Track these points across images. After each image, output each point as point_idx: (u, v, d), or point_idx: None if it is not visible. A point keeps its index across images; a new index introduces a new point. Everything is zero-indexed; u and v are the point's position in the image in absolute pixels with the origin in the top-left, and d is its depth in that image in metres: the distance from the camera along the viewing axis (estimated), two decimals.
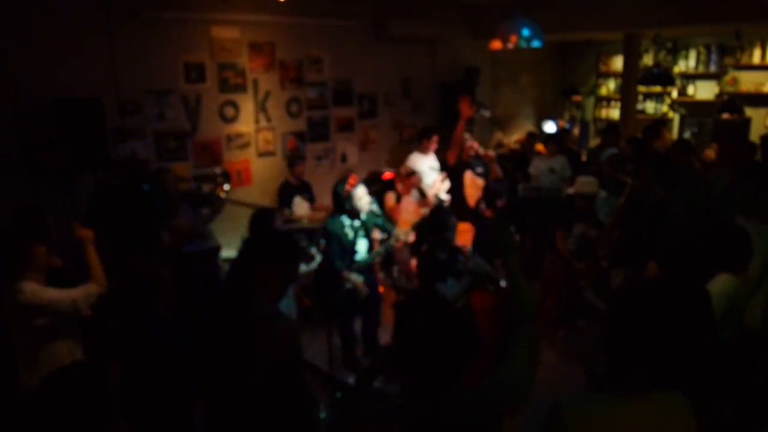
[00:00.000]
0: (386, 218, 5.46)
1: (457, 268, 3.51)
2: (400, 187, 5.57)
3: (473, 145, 5.72)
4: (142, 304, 2.56)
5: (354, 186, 4.21)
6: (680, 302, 2.13)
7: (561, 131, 8.24)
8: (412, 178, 5.52)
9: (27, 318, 2.91)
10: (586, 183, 4.92)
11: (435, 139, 6.19)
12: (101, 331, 3.09)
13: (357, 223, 4.33)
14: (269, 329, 2.19)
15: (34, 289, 2.92)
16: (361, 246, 4.39)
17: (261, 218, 4.19)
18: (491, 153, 5.84)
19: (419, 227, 3.88)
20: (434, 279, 3.38)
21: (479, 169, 5.69)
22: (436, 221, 3.64)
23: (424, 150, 6.21)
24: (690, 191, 4.61)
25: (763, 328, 3.15)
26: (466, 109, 5.25)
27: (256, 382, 2.17)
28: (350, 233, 4.28)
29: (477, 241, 5.26)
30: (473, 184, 5.63)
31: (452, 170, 5.66)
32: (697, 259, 2.87)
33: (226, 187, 5.08)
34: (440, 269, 3.44)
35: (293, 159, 6.02)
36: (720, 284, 2.82)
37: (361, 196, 4.24)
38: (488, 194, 4.67)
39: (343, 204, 4.25)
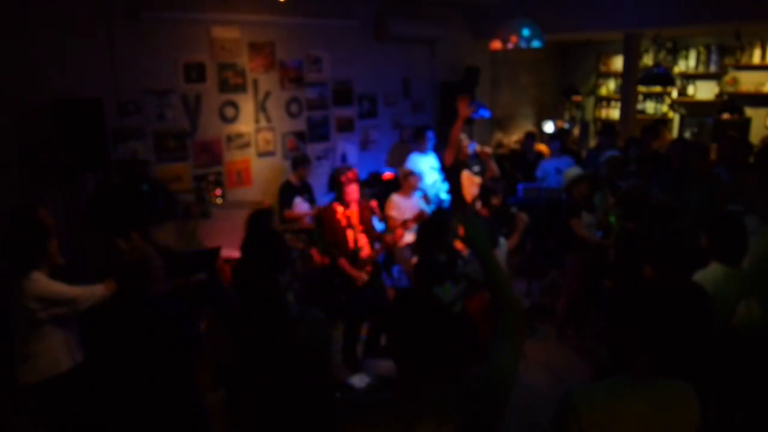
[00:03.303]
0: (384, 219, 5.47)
1: (455, 271, 3.49)
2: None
3: (469, 143, 5.73)
4: (133, 280, 2.59)
5: (351, 180, 4.39)
6: (676, 299, 2.22)
7: (560, 131, 8.24)
8: (409, 178, 5.55)
9: (33, 309, 2.96)
10: (571, 172, 5.07)
11: (430, 135, 6.34)
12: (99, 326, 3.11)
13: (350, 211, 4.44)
14: (303, 326, 2.30)
15: (44, 281, 3.00)
16: (362, 241, 4.43)
17: (257, 219, 4.19)
18: (488, 150, 5.84)
19: (419, 229, 3.90)
20: (430, 281, 3.35)
21: (476, 168, 5.70)
22: (435, 224, 3.64)
23: (421, 148, 6.32)
24: (703, 194, 4.55)
25: (761, 333, 3.11)
26: (463, 109, 5.25)
27: (290, 375, 2.25)
28: (343, 220, 4.41)
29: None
30: (471, 182, 5.64)
31: (449, 170, 5.66)
32: (688, 254, 2.77)
33: (219, 192, 5.11)
34: (437, 272, 3.41)
35: (299, 160, 5.91)
36: (711, 271, 2.84)
37: (351, 192, 4.41)
38: (484, 192, 4.66)
39: (337, 188, 4.45)
